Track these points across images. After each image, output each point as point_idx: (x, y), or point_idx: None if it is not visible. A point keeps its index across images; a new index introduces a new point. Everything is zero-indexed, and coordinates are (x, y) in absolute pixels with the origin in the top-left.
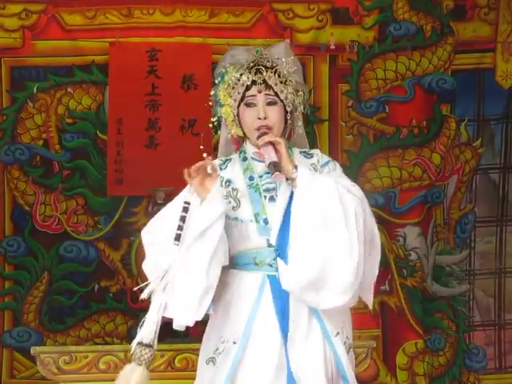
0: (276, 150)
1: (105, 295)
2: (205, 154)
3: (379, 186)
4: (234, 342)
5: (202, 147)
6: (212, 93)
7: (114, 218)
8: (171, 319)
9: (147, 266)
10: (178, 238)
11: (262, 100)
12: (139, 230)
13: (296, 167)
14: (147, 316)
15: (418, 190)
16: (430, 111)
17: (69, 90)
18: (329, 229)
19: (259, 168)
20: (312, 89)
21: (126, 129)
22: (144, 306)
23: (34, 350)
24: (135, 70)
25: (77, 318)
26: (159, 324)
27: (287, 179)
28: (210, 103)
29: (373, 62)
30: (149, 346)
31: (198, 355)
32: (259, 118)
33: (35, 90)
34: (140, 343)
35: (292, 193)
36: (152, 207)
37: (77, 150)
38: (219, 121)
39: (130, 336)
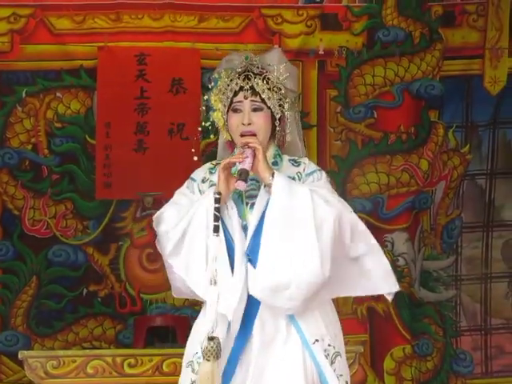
0: (254, 156)
1: (93, 300)
2: (195, 158)
3: (367, 192)
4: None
5: (193, 150)
6: (205, 97)
7: (103, 223)
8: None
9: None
10: (216, 229)
11: (247, 106)
12: (128, 235)
13: (273, 174)
14: (206, 312)
15: (406, 196)
16: (419, 117)
17: (57, 94)
18: (298, 236)
19: None
20: (300, 94)
21: (114, 132)
22: (133, 311)
23: (21, 354)
24: (124, 74)
25: (65, 323)
26: (217, 316)
27: (265, 186)
28: (204, 107)
29: (361, 67)
30: (214, 337)
31: None
32: (243, 124)
33: (24, 95)
34: (210, 339)
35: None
36: (140, 212)
37: (66, 154)
38: (213, 125)
39: (118, 340)
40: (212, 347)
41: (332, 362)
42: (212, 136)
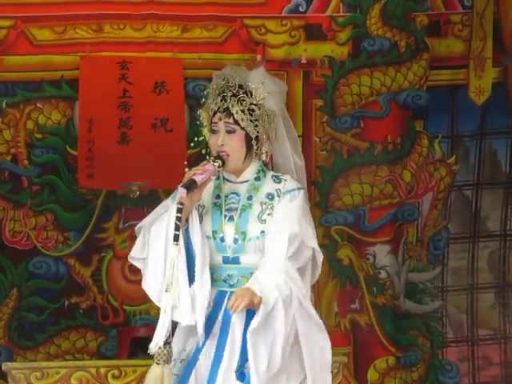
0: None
1: (75, 312)
2: (187, 169)
3: (350, 204)
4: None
5: (185, 163)
6: (199, 112)
7: (84, 234)
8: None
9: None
10: (176, 238)
11: (222, 127)
12: (110, 246)
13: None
14: (160, 318)
15: (388, 208)
16: (405, 128)
17: (38, 105)
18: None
19: (227, 188)
20: (285, 104)
21: (96, 128)
22: (115, 322)
23: (5, 366)
24: (106, 78)
25: (47, 335)
26: (170, 322)
27: None
28: (198, 122)
29: (347, 77)
30: (168, 343)
31: None
32: (217, 145)
33: (4, 105)
34: (164, 343)
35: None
36: (123, 223)
37: (46, 165)
38: (204, 139)
39: (100, 353)
40: (163, 352)
41: None
42: (203, 150)
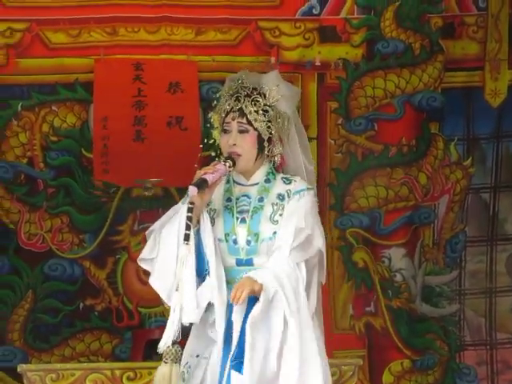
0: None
1: (90, 314)
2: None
3: (365, 206)
4: (197, 356)
5: (196, 165)
6: (210, 115)
7: (100, 236)
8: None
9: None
10: (187, 237)
11: (234, 127)
12: (125, 248)
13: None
14: (170, 317)
15: (404, 211)
16: (420, 130)
17: (53, 108)
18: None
19: (237, 191)
20: (300, 107)
21: (111, 125)
22: (130, 325)
23: (20, 367)
24: (121, 79)
25: (61, 337)
26: (180, 321)
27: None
28: (208, 125)
29: (362, 79)
30: (176, 342)
31: None
32: (229, 144)
33: (19, 108)
34: (173, 343)
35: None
36: (138, 225)
37: (61, 167)
38: (215, 142)
39: (114, 355)
40: (171, 351)
41: None
42: (213, 153)
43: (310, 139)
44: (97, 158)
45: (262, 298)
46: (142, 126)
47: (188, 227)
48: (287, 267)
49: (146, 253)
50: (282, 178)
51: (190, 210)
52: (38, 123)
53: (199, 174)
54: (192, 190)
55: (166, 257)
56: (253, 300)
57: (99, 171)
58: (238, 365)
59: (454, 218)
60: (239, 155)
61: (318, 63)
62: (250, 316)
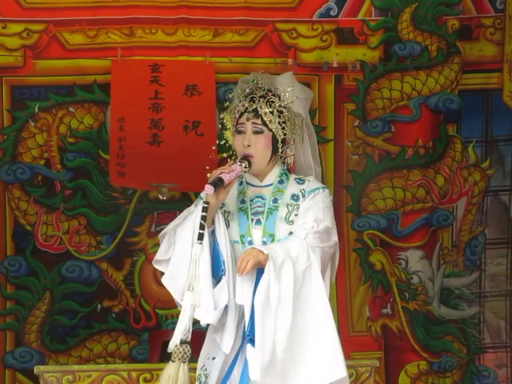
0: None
1: (107, 315)
2: (208, 172)
3: (382, 208)
4: (213, 358)
5: (207, 167)
6: (221, 116)
7: (117, 238)
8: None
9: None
10: (201, 237)
11: (249, 128)
12: (142, 250)
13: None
14: (180, 316)
15: (421, 213)
16: (437, 132)
17: (70, 109)
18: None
19: (251, 192)
20: (317, 108)
21: (128, 126)
22: (147, 326)
23: (37, 369)
24: (138, 80)
25: (78, 339)
26: (190, 321)
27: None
28: (220, 126)
29: (378, 81)
30: (186, 342)
31: None
32: (243, 145)
33: (37, 110)
34: (181, 342)
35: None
36: (155, 227)
37: (78, 169)
38: (226, 143)
39: (131, 356)
40: (179, 350)
41: None
42: (224, 154)
43: (326, 141)
44: (113, 159)
45: (267, 268)
46: (158, 129)
47: (202, 227)
48: (299, 246)
49: (160, 254)
50: (295, 178)
51: (204, 209)
52: (55, 124)
53: (215, 173)
54: (209, 189)
55: (181, 257)
56: (261, 273)
57: (115, 174)
58: (251, 341)
59: (472, 220)
60: (253, 156)
61: (335, 65)
62: (258, 288)
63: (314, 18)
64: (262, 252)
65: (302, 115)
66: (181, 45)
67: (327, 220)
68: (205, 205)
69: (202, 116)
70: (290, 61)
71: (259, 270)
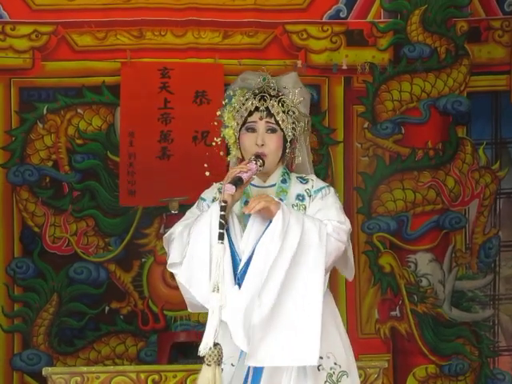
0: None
1: (115, 317)
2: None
3: (392, 210)
4: (232, 365)
5: (206, 165)
6: (218, 113)
7: (125, 240)
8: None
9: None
10: (221, 236)
11: (262, 127)
12: (151, 252)
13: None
14: (208, 318)
15: (431, 215)
16: (446, 133)
17: (79, 110)
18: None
19: (255, 193)
20: (327, 110)
21: (138, 141)
22: (155, 328)
23: (45, 370)
24: (147, 86)
25: (86, 341)
26: (219, 322)
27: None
28: (216, 123)
29: (388, 83)
30: (217, 344)
31: None
32: (257, 144)
33: (45, 111)
34: (214, 345)
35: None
36: (163, 229)
37: (87, 171)
38: (223, 142)
39: (139, 358)
40: (213, 353)
41: (338, 381)
42: (221, 153)
43: (336, 143)
44: (123, 177)
45: (276, 218)
46: (167, 142)
47: (222, 226)
48: (315, 224)
49: (175, 257)
50: (297, 177)
51: (223, 208)
52: (64, 126)
53: (234, 172)
54: (230, 189)
55: (200, 258)
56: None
57: (125, 193)
58: (239, 286)
59: (484, 222)
60: (267, 155)
61: (345, 67)
62: (263, 238)
63: (323, 20)
64: (275, 201)
65: (308, 116)
66: (190, 47)
67: (345, 222)
68: (223, 203)
69: (211, 126)
70: (299, 62)
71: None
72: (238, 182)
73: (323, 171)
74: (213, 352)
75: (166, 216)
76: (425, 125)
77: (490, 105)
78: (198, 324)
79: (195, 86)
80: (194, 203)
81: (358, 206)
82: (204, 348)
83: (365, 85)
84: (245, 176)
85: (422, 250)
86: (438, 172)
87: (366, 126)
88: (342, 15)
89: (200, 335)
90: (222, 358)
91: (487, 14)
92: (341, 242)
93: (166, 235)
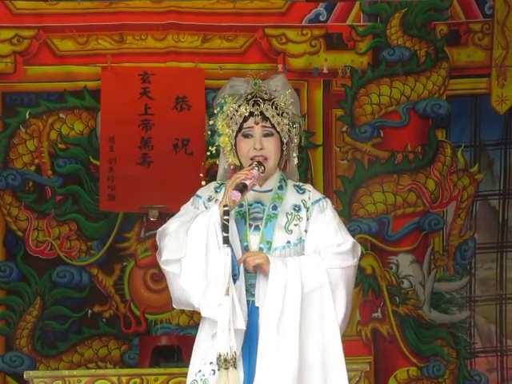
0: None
1: (98, 320)
2: (202, 179)
3: (373, 212)
4: (211, 363)
5: (201, 175)
6: (211, 122)
7: (107, 244)
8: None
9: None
10: (226, 240)
11: (258, 131)
12: (132, 256)
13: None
14: (220, 323)
15: (412, 217)
16: (426, 137)
17: (61, 115)
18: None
19: (250, 197)
20: (306, 114)
21: (118, 146)
22: (138, 331)
23: (27, 374)
24: (128, 91)
25: (69, 344)
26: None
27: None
28: (209, 132)
29: (367, 87)
30: (232, 347)
31: None
32: (255, 149)
33: (27, 116)
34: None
35: None
36: (144, 233)
37: (69, 175)
38: (218, 150)
39: (123, 361)
40: (228, 355)
41: None
42: (217, 161)
43: (315, 146)
44: (103, 182)
45: (271, 277)
46: (148, 148)
47: (226, 229)
48: (316, 265)
49: (170, 254)
50: (294, 185)
51: (226, 212)
52: (46, 131)
53: (238, 178)
54: (236, 196)
55: (196, 258)
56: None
57: (105, 198)
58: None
59: (461, 224)
60: (266, 159)
61: (324, 71)
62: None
63: (303, 24)
64: (267, 259)
65: (300, 117)
66: (170, 50)
67: (348, 241)
68: (226, 208)
69: (192, 134)
70: (280, 66)
71: None
72: (243, 188)
73: (302, 175)
74: (229, 355)
75: (147, 220)
76: (404, 128)
77: (469, 108)
78: (178, 327)
79: (176, 92)
80: (174, 213)
81: (338, 209)
82: (223, 352)
83: (344, 88)
84: (248, 182)
85: (403, 252)
86: (418, 175)
87: (344, 129)
88: (321, 19)
89: (180, 338)
90: (236, 361)
91: (468, 17)
92: (345, 265)
93: (159, 229)
